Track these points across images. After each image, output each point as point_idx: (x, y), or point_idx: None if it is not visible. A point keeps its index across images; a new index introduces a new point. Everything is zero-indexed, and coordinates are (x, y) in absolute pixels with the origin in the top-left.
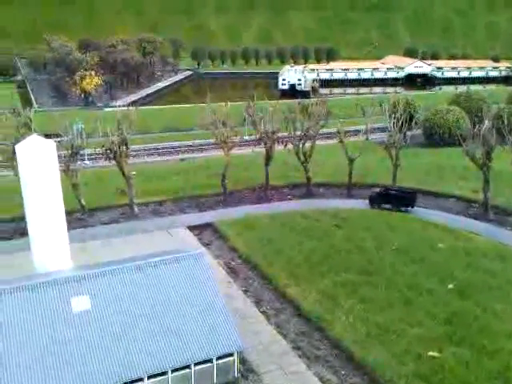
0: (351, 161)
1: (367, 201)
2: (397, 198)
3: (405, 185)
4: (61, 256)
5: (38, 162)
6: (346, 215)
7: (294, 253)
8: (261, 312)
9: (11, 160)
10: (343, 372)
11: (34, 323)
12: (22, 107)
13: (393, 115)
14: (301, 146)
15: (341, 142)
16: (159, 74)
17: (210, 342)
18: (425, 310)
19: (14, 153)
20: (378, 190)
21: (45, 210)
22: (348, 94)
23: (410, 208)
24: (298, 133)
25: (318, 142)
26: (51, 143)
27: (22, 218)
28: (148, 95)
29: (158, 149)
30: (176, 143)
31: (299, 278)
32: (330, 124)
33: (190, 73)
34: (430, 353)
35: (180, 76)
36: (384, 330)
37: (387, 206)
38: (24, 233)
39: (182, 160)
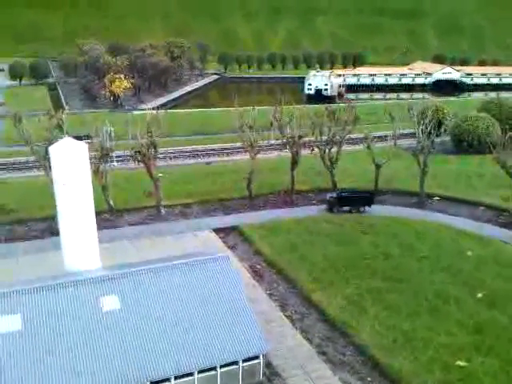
0: (378, 167)
1: (391, 207)
2: (355, 200)
3: (435, 192)
4: (90, 256)
5: (71, 164)
6: (372, 221)
7: (319, 258)
8: (286, 316)
9: (44, 161)
10: (369, 379)
11: (63, 323)
12: (53, 109)
13: (421, 121)
14: (327, 151)
15: (368, 147)
16: (186, 77)
17: (235, 344)
18: (452, 318)
19: (46, 154)
20: (333, 194)
21: (76, 211)
22: (374, 99)
23: (367, 208)
24: (325, 138)
25: (344, 148)
26: (83, 145)
27: (53, 218)
28: (175, 99)
29: (184, 152)
30: (202, 146)
31: (324, 283)
32: (357, 129)
33: (216, 77)
34: (458, 362)
35: (207, 80)
36: (410, 337)
37: (346, 208)
38: (54, 232)
39: (208, 163)
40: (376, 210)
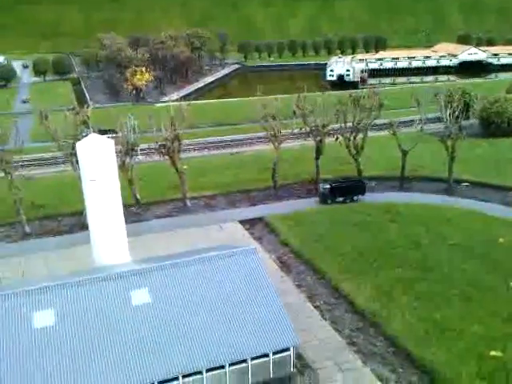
0: (404, 153)
1: (419, 194)
2: (349, 189)
3: (464, 177)
4: (119, 250)
5: (98, 160)
6: (400, 209)
7: (346, 248)
8: (315, 307)
9: (71, 156)
10: (401, 370)
11: (94, 317)
12: (77, 104)
13: (448, 105)
14: (352, 138)
15: (393, 133)
16: (207, 68)
17: (266, 336)
18: (486, 307)
19: (73, 150)
20: (326, 185)
21: (104, 205)
22: (398, 83)
23: (360, 196)
24: (349, 125)
25: (369, 134)
26: (110, 141)
27: (81, 213)
28: (197, 90)
29: (207, 143)
30: (225, 137)
31: (353, 274)
32: (382, 115)
33: (237, 66)
34: (492, 352)
35: (227, 70)
36: (443, 327)
37: (340, 198)
38: (83, 227)
39: (232, 154)
40: (403, 197)
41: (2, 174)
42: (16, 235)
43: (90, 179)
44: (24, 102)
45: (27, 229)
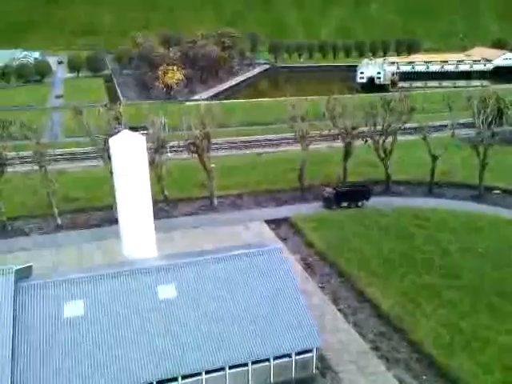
0: (434, 158)
1: (448, 200)
2: (354, 194)
3: (495, 185)
4: (148, 245)
5: (130, 156)
6: (428, 215)
7: (372, 251)
8: (338, 310)
9: (102, 151)
10: (424, 377)
11: (122, 309)
12: (109, 100)
13: (482, 111)
14: (381, 141)
15: (424, 138)
16: (237, 68)
17: (289, 337)
18: None
19: (105, 145)
20: (330, 190)
21: (134, 201)
22: (430, 87)
23: (365, 202)
24: (379, 128)
25: (398, 138)
26: (141, 138)
27: (111, 207)
28: (226, 89)
29: (235, 142)
30: (254, 137)
31: (378, 278)
32: (412, 119)
33: (267, 67)
34: None
35: (257, 70)
36: (469, 336)
37: (345, 204)
38: (112, 221)
39: (260, 154)
40: (432, 202)
41: (37, 167)
42: (48, 227)
43: (124, 174)
44: (58, 97)
45: (59, 221)
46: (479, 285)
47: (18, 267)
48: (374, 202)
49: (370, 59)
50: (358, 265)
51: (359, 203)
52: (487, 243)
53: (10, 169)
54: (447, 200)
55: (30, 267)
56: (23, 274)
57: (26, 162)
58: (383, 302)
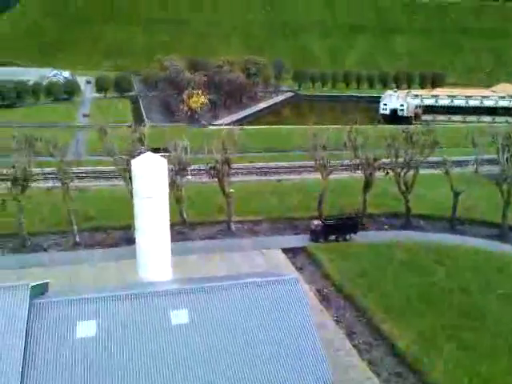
0: (456, 194)
1: (470, 237)
2: (342, 227)
3: None
4: (163, 267)
5: (151, 178)
6: (449, 251)
7: (390, 287)
8: (353, 345)
9: (124, 172)
10: None
11: (134, 332)
12: (134, 121)
13: (506, 148)
14: (402, 174)
15: (446, 173)
16: (261, 94)
17: (298, 371)
18: None
19: (127, 165)
20: (317, 222)
21: (153, 222)
22: (453, 121)
23: (353, 235)
24: (401, 160)
25: (421, 171)
26: (163, 161)
27: (130, 227)
28: (249, 115)
29: (256, 168)
30: (274, 163)
31: (395, 314)
32: (435, 152)
33: (290, 94)
34: None
35: (281, 97)
36: (488, 381)
37: (332, 237)
38: (130, 241)
39: (279, 181)
40: (453, 239)
41: (59, 184)
42: (66, 244)
43: (143, 196)
44: (84, 116)
45: (77, 239)
46: (499, 328)
47: (34, 284)
48: (394, 235)
49: (394, 91)
50: (374, 299)
51: (347, 236)
52: (509, 284)
53: (33, 184)
54: (469, 237)
55: (47, 284)
56: (39, 291)
57: (50, 179)
58: (399, 340)
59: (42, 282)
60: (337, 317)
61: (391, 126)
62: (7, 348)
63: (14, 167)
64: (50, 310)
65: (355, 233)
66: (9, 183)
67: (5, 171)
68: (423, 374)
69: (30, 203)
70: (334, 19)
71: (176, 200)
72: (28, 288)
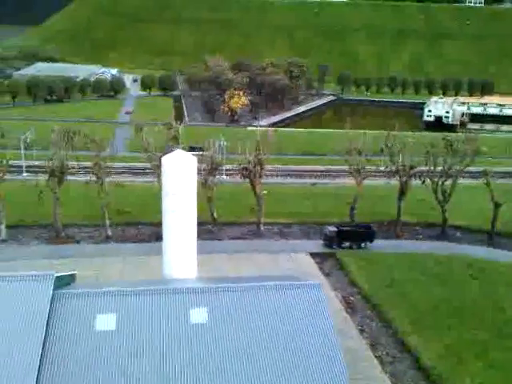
0: (497, 205)
1: (508, 252)
2: (358, 235)
3: None
4: (188, 265)
5: (179, 175)
6: (485, 265)
7: (419, 298)
8: (376, 357)
9: (157, 168)
10: None
11: (153, 328)
12: (175, 120)
13: None
14: (440, 183)
15: (487, 183)
16: (302, 97)
17: (316, 380)
18: None
19: (160, 162)
20: (332, 228)
21: (179, 220)
22: (502, 131)
23: (368, 243)
24: (439, 169)
25: (459, 181)
26: (193, 159)
27: (160, 224)
28: (289, 117)
29: (290, 171)
30: (309, 167)
31: (423, 327)
32: (477, 162)
33: (332, 98)
34: None
35: (322, 101)
36: None
37: (346, 244)
38: (160, 237)
39: (313, 185)
40: (490, 253)
41: (95, 178)
42: (98, 237)
43: (172, 193)
44: (127, 113)
45: (109, 232)
46: None
47: (59, 274)
48: (428, 246)
49: (440, 97)
50: (402, 310)
51: (362, 244)
52: None
53: (71, 178)
54: (507, 252)
55: (74, 275)
56: (65, 281)
57: (86, 173)
58: (425, 354)
59: (69, 273)
60: (361, 326)
61: (433, 133)
62: (27, 337)
63: (51, 159)
64: (72, 302)
65: (371, 241)
66: (46, 175)
67: (45, 163)
68: None
69: (66, 196)
70: (382, 23)
71: (207, 199)
72: (52, 278)
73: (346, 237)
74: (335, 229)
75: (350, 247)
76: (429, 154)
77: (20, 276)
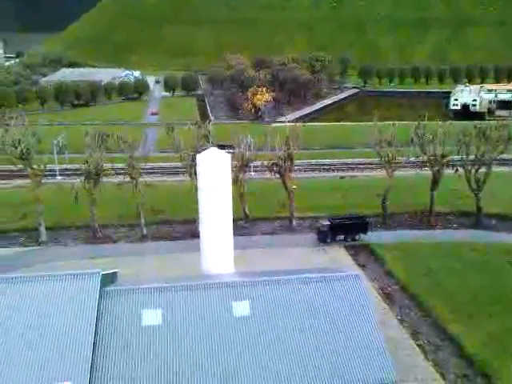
0: None
1: None
2: (351, 227)
3: None
4: (226, 260)
5: (216, 172)
6: None
7: (458, 287)
8: (417, 345)
9: (190, 167)
10: None
11: (197, 322)
12: (200, 119)
13: None
14: (473, 171)
15: None
16: (325, 91)
17: (361, 369)
18: None
19: (192, 161)
20: (325, 222)
21: (216, 216)
22: None
23: (363, 235)
24: (472, 157)
25: (494, 169)
26: (227, 156)
27: (193, 221)
28: (313, 112)
29: (318, 164)
30: (336, 160)
31: (463, 316)
32: (510, 150)
33: (355, 91)
34: None
35: (345, 94)
36: None
37: (341, 237)
38: (194, 235)
39: (342, 177)
40: None
41: (128, 179)
42: (134, 236)
43: (208, 190)
44: (153, 114)
45: (144, 231)
46: None
47: (105, 272)
48: (463, 235)
49: (466, 85)
50: (441, 299)
51: (356, 236)
52: None
53: (104, 179)
54: None
55: (116, 273)
56: (109, 279)
57: (120, 174)
58: (467, 342)
59: (111, 271)
60: (400, 316)
61: (462, 122)
62: (79, 332)
63: (87, 162)
64: (119, 298)
65: (365, 233)
66: (82, 178)
67: (83, 166)
68: (491, 378)
69: (100, 197)
70: (403, 12)
71: (239, 195)
72: (99, 276)
73: (339, 230)
74: (328, 223)
75: (345, 239)
76: (461, 143)
77: (69, 275)
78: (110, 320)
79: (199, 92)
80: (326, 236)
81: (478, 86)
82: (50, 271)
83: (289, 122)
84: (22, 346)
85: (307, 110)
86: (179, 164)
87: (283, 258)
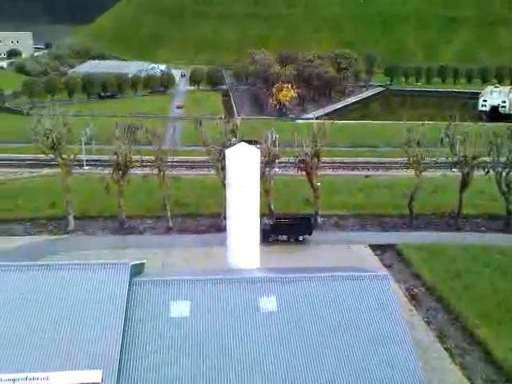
0: None
1: None
2: (294, 227)
3: None
4: (252, 255)
5: (245, 167)
6: None
7: (487, 291)
8: (444, 348)
9: (217, 162)
10: None
11: (224, 316)
12: (225, 114)
13: None
14: (505, 174)
15: None
16: (350, 89)
17: (389, 371)
18: None
19: (220, 155)
20: (267, 221)
21: (244, 211)
22: None
23: (307, 236)
24: (503, 159)
25: None
26: (256, 151)
27: (219, 215)
28: (338, 109)
29: (343, 163)
30: (361, 159)
31: (492, 320)
32: None
33: (381, 89)
34: None
35: (371, 92)
36: None
37: (284, 237)
38: (219, 229)
39: (368, 176)
40: None
41: (156, 171)
42: (160, 229)
43: (237, 185)
44: (178, 107)
45: (170, 224)
46: None
47: (133, 263)
48: (492, 238)
49: (495, 86)
50: (469, 303)
51: (300, 237)
52: None
53: (132, 171)
54: None
55: (143, 264)
56: (137, 270)
57: (147, 166)
58: (496, 347)
59: (139, 262)
60: (427, 318)
61: (492, 123)
62: (109, 322)
63: (116, 153)
64: (148, 289)
65: (310, 234)
66: (110, 169)
67: (112, 157)
68: None
69: (127, 189)
70: (431, 10)
71: (265, 191)
72: (129, 267)
73: (281, 230)
74: (270, 222)
75: (288, 240)
76: (492, 144)
77: (99, 264)
78: (140, 310)
79: (224, 87)
80: (268, 235)
81: (508, 88)
82: (79, 260)
83: (317, 118)
84: (54, 333)
85: (332, 107)
86: (204, 158)
87: (308, 255)
